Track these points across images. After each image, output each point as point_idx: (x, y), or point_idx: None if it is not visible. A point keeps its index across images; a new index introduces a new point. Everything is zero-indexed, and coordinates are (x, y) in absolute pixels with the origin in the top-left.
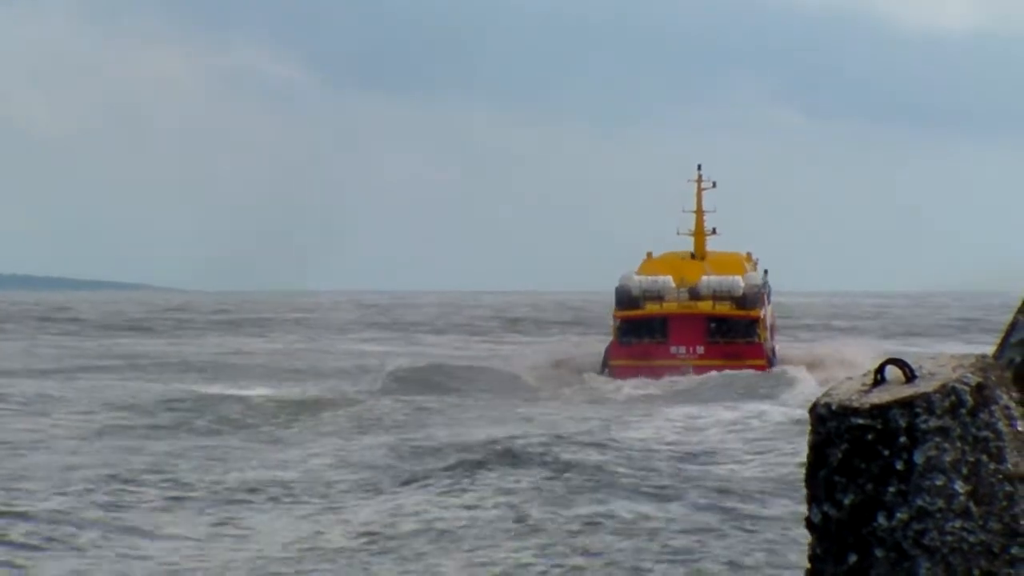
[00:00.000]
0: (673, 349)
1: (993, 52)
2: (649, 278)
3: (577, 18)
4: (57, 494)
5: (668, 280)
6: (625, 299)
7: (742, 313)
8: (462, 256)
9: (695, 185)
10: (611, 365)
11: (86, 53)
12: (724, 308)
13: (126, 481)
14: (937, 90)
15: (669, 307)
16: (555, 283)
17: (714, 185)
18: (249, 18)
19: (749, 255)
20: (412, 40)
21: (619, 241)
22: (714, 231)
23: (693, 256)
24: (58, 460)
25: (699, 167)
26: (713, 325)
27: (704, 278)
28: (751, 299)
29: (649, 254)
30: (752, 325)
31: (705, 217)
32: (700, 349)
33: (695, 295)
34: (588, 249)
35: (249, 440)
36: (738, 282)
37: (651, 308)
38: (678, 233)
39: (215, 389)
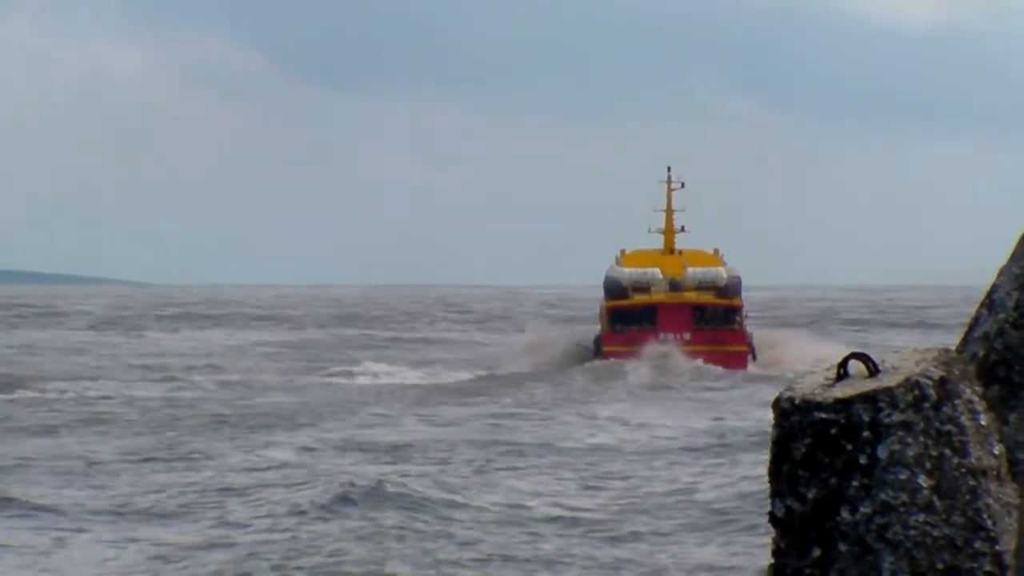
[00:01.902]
0: (662, 336)
1: (951, 46)
2: (639, 270)
3: (536, 13)
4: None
5: (656, 272)
6: (615, 290)
7: (725, 302)
8: (424, 249)
9: (665, 186)
10: (603, 352)
11: (46, 46)
12: (708, 297)
13: None
14: (896, 83)
15: (657, 296)
16: (519, 277)
17: (683, 186)
18: (208, 8)
19: (716, 251)
20: (373, 32)
21: (585, 238)
22: (683, 229)
23: (672, 251)
24: None
25: (669, 169)
26: (698, 313)
27: (690, 269)
28: (732, 289)
29: (623, 251)
30: (734, 313)
31: (674, 216)
32: (687, 335)
33: (676, 287)
34: (556, 245)
35: None
36: (721, 273)
37: (640, 298)
38: (649, 231)
39: None
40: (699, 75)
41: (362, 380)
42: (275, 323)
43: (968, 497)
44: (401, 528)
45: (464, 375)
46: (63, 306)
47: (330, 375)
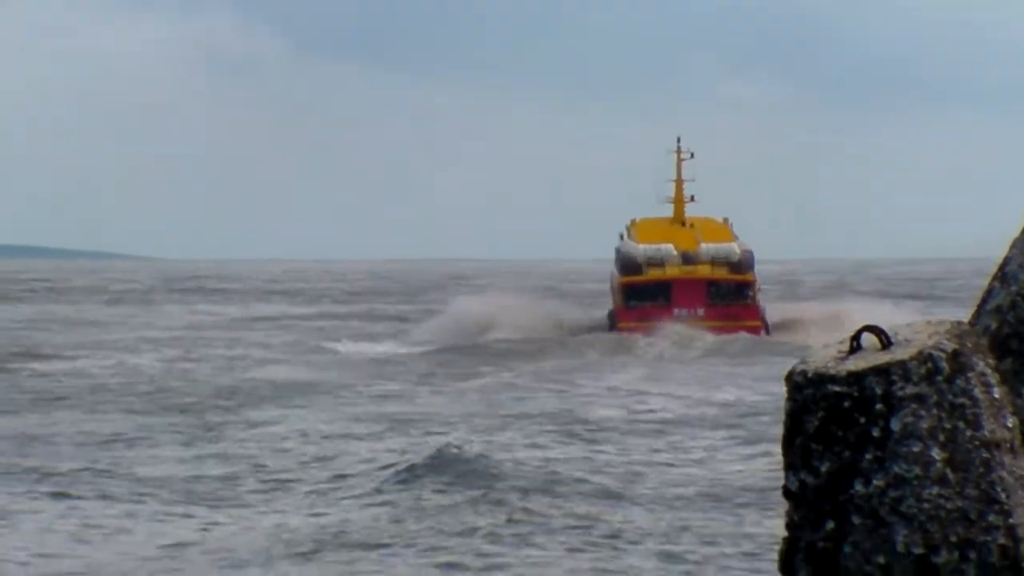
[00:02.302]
0: (676, 311)
1: (965, 21)
2: (653, 246)
3: None
4: None
5: (671, 248)
6: (630, 265)
7: (739, 277)
8: (432, 224)
9: (674, 156)
10: (618, 327)
11: (53, 21)
12: (721, 273)
13: None
14: (910, 58)
15: (671, 272)
16: (530, 252)
17: (692, 156)
18: None
19: (726, 220)
20: (387, 10)
21: (598, 210)
22: (692, 199)
23: (684, 223)
24: None
25: (679, 139)
26: (713, 289)
27: (703, 245)
28: (745, 264)
29: (633, 221)
30: (747, 288)
31: (684, 185)
32: (700, 311)
33: (688, 260)
34: (567, 219)
35: None
36: (734, 249)
37: (654, 274)
38: (659, 201)
39: None
40: (703, 53)
41: (373, 351)
42: (288, 296)
43: (981, 470)
44: (436, 500)
45: (476, 344)
46: (76, 281)
47: (341, 347)
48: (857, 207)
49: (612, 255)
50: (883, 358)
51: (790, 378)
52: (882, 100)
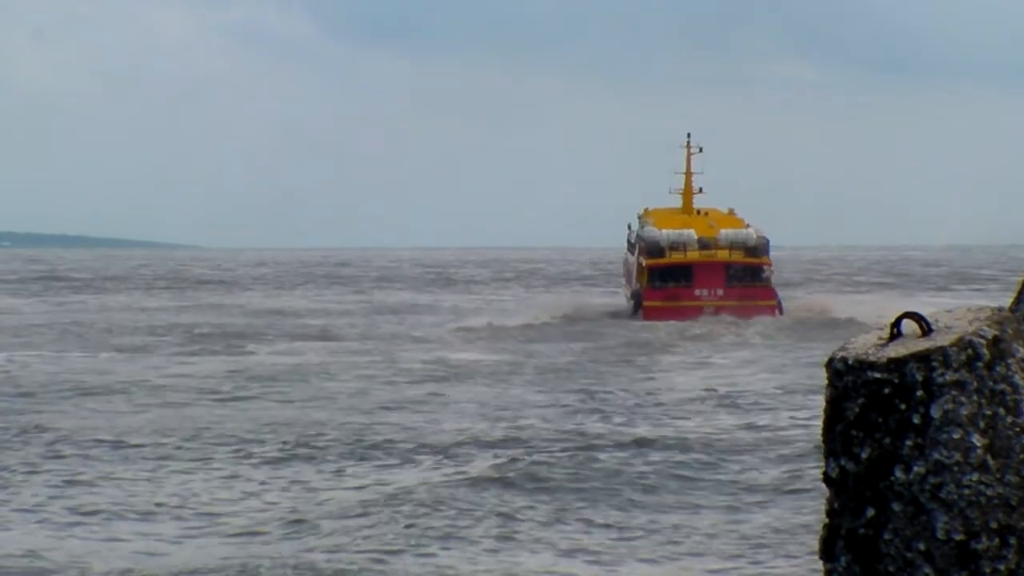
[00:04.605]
0: (697, 292)
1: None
2: (675, 231)
3: None
4: None
5: (692, 233)
6: (655, 249)
7: (755, 261)
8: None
9: (685, 150)
10: (644, 306)
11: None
12: (739, 256)
13: None
14: (939, 40)
15: (692, 256)
16: (545, 239)
17: (700, 150)
18: None
19: (731, 211)
20: None
21: (616, 198)
22: (700, 190)
23: (698, 212)
24: None
25: (688, 135)
26: (730, 271)
27: (722, 231)
28: (760, 249)
29: (645, 210)
30: (762, 270)
31: (692, 178)
32: (720, 291)
33: (704, 246)
34: (576, 208)
35: None
36: (751, 234)
37: (676, 257)
38: (670, 192)
39: None
40: (749, 37)
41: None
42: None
43: (1022, 456)
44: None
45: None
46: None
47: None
48: (908, 195)
49: (606, 245)
50: (923, 345)
51: (830, 365)
52: (936, 83)
